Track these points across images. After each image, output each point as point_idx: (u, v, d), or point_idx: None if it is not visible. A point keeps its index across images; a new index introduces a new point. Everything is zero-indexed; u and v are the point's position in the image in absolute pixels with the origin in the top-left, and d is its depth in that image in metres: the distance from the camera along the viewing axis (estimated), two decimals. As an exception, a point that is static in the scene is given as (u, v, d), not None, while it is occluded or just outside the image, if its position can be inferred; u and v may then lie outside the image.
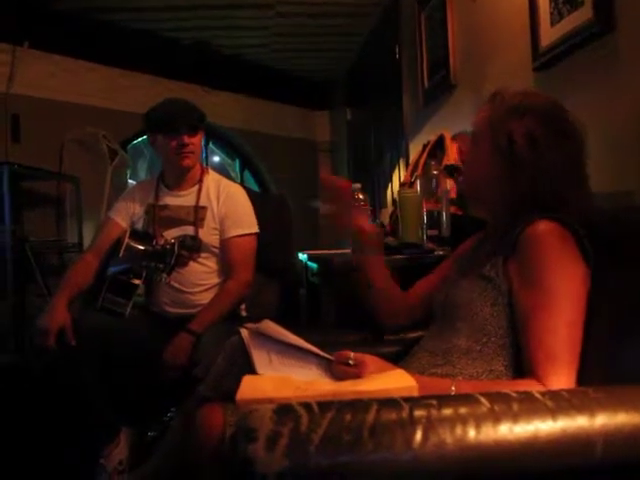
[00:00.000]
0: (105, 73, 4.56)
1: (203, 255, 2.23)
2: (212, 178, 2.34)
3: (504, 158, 1.23)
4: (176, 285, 2.21)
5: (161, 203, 2.29)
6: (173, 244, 2.18)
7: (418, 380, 1.07)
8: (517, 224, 1.18)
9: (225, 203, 2.27)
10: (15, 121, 4.01)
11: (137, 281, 2.19)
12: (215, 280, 2.26)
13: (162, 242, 2.20)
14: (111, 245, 2.26)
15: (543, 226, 1.14)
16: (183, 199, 2.28)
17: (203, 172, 2.33)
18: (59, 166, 4.20)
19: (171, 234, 2.22)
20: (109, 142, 4.27)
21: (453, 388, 1.06)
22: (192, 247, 2.21)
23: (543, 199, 1.20)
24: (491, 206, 1.33)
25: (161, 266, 2.18)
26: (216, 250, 2.25)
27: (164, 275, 2.20)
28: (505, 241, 1.21)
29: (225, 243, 2.24)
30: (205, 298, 2.22)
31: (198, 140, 2.24)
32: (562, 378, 1.02)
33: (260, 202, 2.47)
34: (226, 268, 2.25)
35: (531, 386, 1.01)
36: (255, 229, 2.30)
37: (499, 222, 1.31)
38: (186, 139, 2.18)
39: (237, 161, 6.03)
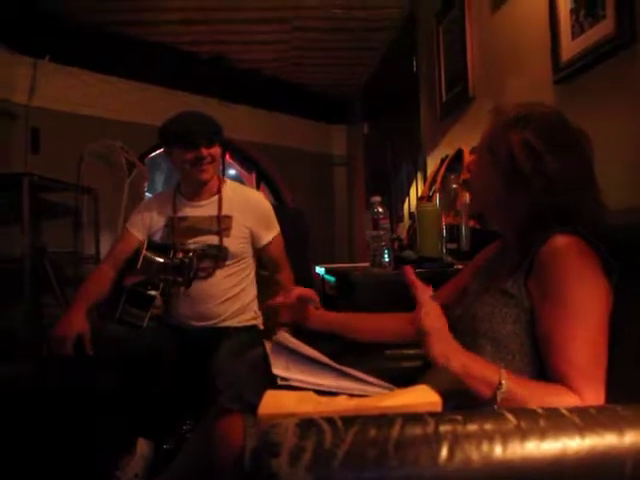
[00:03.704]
0: (124, 86, 4.61)
1: (228, 263, 2.25)
2: (230, 187, 2.36)
3: (507, 172, 1.21)
4: (198, 297, 2.23)
5: (180, 215, 2.30)
6: (191, 257, 2.19)
7: (467, 356, 1.07)
8: (534, 238, 1.17)
9: (253, 214, 2.31)
10: (35, 133, 4.05)
11: (154, 292, 2.20)
12: (236, 290, 2.29)
13: (180, 255, 2.21)
14: (128, 257, 2.29)
15: (562, 241, 1.12)
16: (203, 209, 2.29)
17: (220, 183, 2.34)
18: (77, 178, 4.22)
19: (194, 243, 2.24)
20: (127, 154, 4.30)
21: (503, 371, 1.03)
22: (217, 256, 2.22)
23: (553, 211, 1.18)
24: (503, 221, 1.32)
25: (180, 279, 2.20)
26: (240, 259, 2.29)
27: (182, 289, 2.22)
28: (525, 256, 1.19)
29: (264, 248, 2.35)
30: (226, 309, 2.25)
31: (215, 152, 2.25)
32: (594, 394, 1.01)
33: (277, 215, 2.47)
34: (269, 267, 2.40)
35: (569, 396, 1.00)
36: (279, 227, 2.41)
37: (514, 236, 1.30)
38: (204, 151, 2.19)
39: (254, 174, 6.04)
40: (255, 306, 2.37)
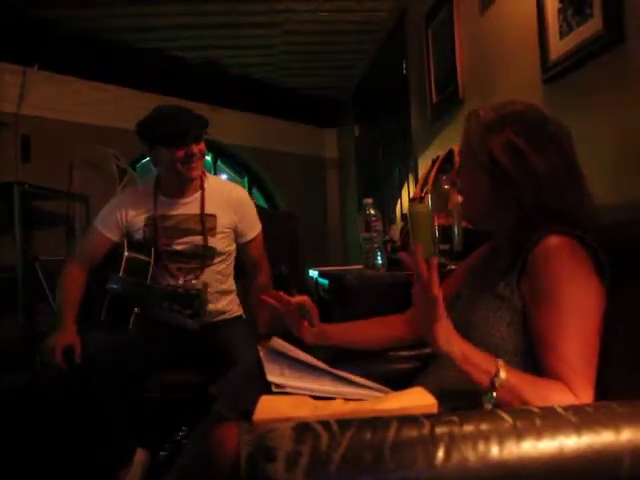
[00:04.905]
0: (114, 93, 4.60)
1: (216, 261, 2.25)
2: (212, 183, 2.32)
3: (492, 175, 1.21)
4: None
5: (163, 213, 2.23)
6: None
7: (466, 344, 1.06)
8: (525, 239, 1.17)
9: (238, 212, 2.29)
10: (25, 141, 4.04)
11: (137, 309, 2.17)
12: (224, 286, 2.31)
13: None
14: (100, 259, 2.22)
15: (555, 241, 1.12)
16: (186, 207, 2.24)
17: (202, 178, 2.29)
18: (69, 185, 4.21)
19: (179, 244, 2.21)
20: (118, 161, 4.28)
21: (500, 361, 1.04)
22: (204, 256, 2.22)
23: (542, 209, 1.18)
24: (494, 223, 1.32)
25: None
26: (226, 255, 2.29)
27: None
28: (517, 258, 1.19)
29: (246, 245, 2.34)
30: (217, 305, 2.26)
31: (203, 147, 2.19)
32: (586, 392, 1.02)
33: (269, 219, 2.47)
34: (249, 264, 2.38)
35: (564, 392, 1.01)
36: (260, 225, 2.40)
37: (506, 237, 1.30)
38: (194, 148, 2.13)
39: (245, 178, 6.04)
40: (236, 297, 2.41)
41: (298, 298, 1.52)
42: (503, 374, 1.02)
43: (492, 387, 1.02)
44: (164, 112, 2.20)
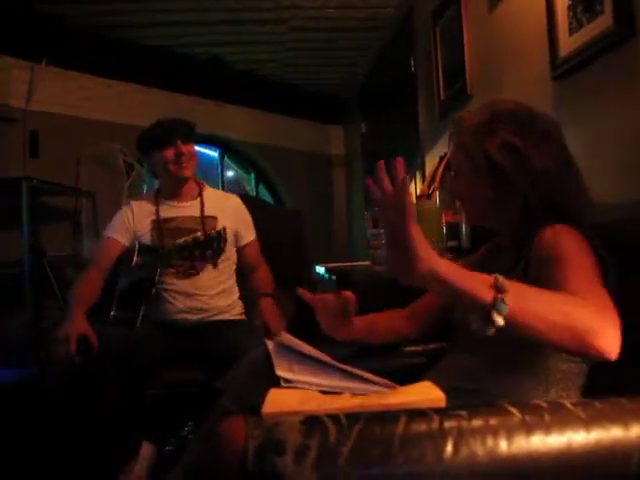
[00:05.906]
0: (121, 89, 4.60)
1: (219, 259, 2.35)
2: (211, 192, 2.48)
3: (490, 176, 1.21)
4: (191, 291, 2.28)
5: (166, 216, 2.34)
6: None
7: (449, 264, 0.92)
8: (528, 235, 1.16)
9: (235, 216, 2.44)
10: (34, 137, 4.04)
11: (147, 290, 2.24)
12: (225, 285, 2.37)
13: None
14: (113, 264, 2.32)
15: (560, 227, 1.12)
16: (187, 209, 2.36)
17: (200, 186, 2.43)
18: (76, 181, 4.22)
19: (183, 242, 2.30)
20: (125, 157, 4.29)
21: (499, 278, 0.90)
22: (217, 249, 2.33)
23: (541, 205, 1.18)
24: (500, 223, 1.32)
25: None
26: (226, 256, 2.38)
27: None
28: (519, 256, 1.18)
29: (244, 248, 2.45)
30: (218, 302, 2.32)
31: (193, 149, 2.33)
32: (609, 308, 0.93)
33: (276, 216, 2.51)
34: (247, 268, 2.49)
35: (584, 303, 0.91)
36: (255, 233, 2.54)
37: (509, 236, 1.30)
38: (182, 148, 2.26)
39: (252, 175, 6.04)
40: (240, 301, 2.46)
41: (348, 293, 1.46)
42: (503, 280, 0.89)
43: (500, 291, 0.88)
44: (154, 123, 2.34)
